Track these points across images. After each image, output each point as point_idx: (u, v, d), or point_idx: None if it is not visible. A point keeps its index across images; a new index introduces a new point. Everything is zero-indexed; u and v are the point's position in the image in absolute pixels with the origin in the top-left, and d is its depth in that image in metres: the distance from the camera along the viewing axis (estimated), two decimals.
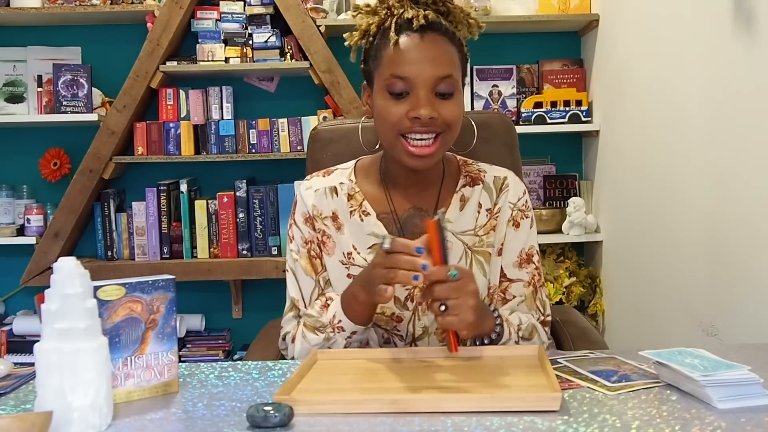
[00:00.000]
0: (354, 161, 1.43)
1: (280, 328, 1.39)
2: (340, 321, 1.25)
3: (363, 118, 1.41)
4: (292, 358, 1.33)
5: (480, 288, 1.24)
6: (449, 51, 1.27)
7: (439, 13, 1.29)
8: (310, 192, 1.38)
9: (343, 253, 1.34)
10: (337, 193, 1.37)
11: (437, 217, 1.13)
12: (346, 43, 1.34)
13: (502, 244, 1.36)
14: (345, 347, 1.26)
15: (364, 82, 1.35)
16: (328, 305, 1.29)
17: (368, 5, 1.32)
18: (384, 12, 1.29)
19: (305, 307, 1.35)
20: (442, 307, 1.10)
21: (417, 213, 1.35)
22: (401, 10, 1.27)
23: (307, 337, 1.29)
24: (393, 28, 1.25)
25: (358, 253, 1.33)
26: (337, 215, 1.36)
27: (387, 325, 1.32)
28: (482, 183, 1.38)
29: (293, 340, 1.33)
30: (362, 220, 1.34)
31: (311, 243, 1.36)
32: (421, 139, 1.24)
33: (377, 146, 1.37)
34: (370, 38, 1.30)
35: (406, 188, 1.35)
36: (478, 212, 1.35)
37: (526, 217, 1.37)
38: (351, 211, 1.35)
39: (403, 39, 1.25)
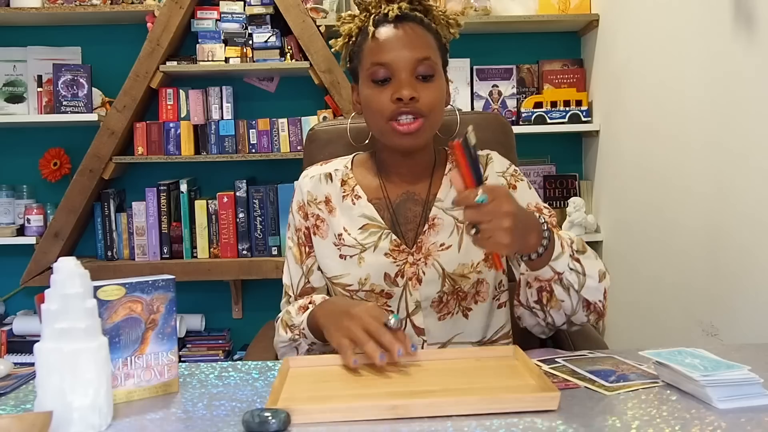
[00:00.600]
0: (353, 154, 1.49)
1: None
2: (304, 329, 1.31)
3: (352, 115, 1.46)
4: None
5: (475, 255, 1.32)
6: (426, 37, 1.33)
7: (417, 11, 1.35)
8: (306, 180, 1.45)
9: (335, 235, 1.39)
10: (331, 179, 1.43)
11: (462, 138, 1.07)
12: (332, 49, 1.43)
13: None
14: (307, 352, 1.33)
15: (353, 83, 1.41)
16: (308, 308, 1.33)
17: (350, 14, 1.39)
18: (363, 15, 1.36)
19: (293, 293, 1.43)
20: (473, 231, 1.06)
21: (410, 198, 1.40)
22: (378, 9, 1.34)
23: (279, 332, 1.37)
24: (371, 23, 1.33)
25: (349, 234, 1.37)
26: (330, 199, 1.41)
27: (377, 302, 1.35)
28: None
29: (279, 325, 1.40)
30: (354, 203, 1.40)
31: (299, 231, 1.43)
32: (406, 120, 1.29)
33: (367, 141, 1.44)
34: (354, 39, 1.38)
35: (399, 176, 1.41)
36: None
37: (521, 181, 1.42)
38: (344, 196, 1.41)
39: (381, 30, 1.32)
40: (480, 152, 1.44)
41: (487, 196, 1.04)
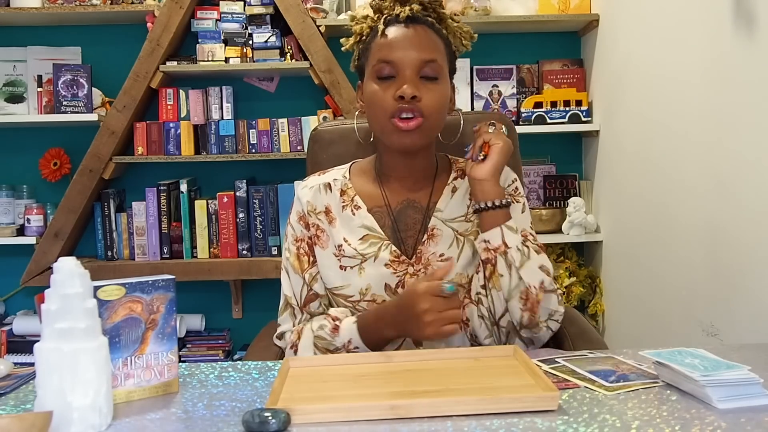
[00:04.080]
0: (350, 163, 1.48)
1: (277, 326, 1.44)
2: (356, 348, 1.29)
3: (357, 114, 1.45)
4: None
5: (470, 268, 1.35)
6: (434, 39, 1.34)
7: (429, 17, 1.35)
8: (305, 190, 1.44)
9: (335, 246, 1.38)
10: (330, 189, 1.42)
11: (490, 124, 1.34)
12: (343, 48, 1.42)
13: None
14: None
15: (359, 81, 1.41)
16: (338, 327, 1.31)
17: (364, 15, 1.39)
18: (376, 16, 1.37)
19: (297, 304, 1.40)
20: (490, 127, 1.32)
21: (410, 205, 1.39)
22: (391, 11, 1.34)
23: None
24: (382, 22, 1.33)
25: (349, 245, 1.37)
26: (329, 209, 1.40)
27: None
28: None
29: (292, 348, 1.35)
30: (354, 214, 1.39)
31: (301, 241, 1.41)
32: (407, 117, 1.30)
33: (372, 138, 1.42)
34: (364, 39, 1.38)
35: (399, 181, 1.40)
36: (469, 200, 1.39)
37: (517, 202, 1.41)
38: (343, 206, 1.40)
39: (391, 29, 1.33)
40: None
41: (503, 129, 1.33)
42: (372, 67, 1.33)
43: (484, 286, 1.31)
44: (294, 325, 1.39)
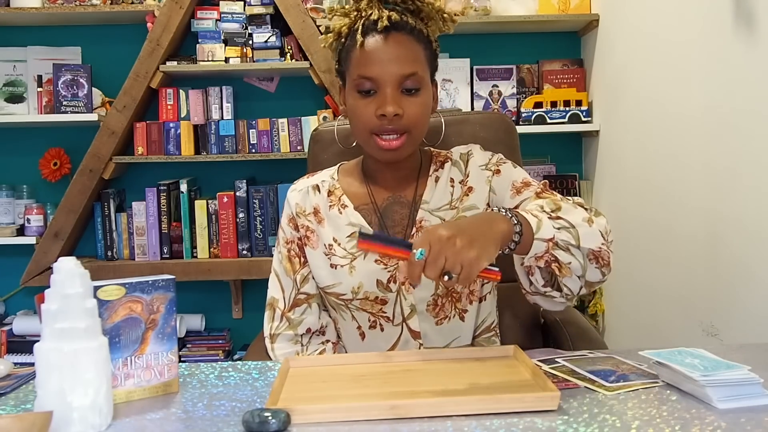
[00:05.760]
0: (338, 164, 1.49)
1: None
2: None
3: (339, 118, 1.45)
4: None
5: None
6: (414, 49, 1.31)
7: (409, 11, 1.32)
8: (294, 193, 1.45)
9: (325, 245, 1.39)
10: (319, 190, 1.43)
11: (359, 236, 1.05)
12: (322, 45, 1.41)
13: (488, 204, 1.37)
14: None
15: (340, 83, 1.40)
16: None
17: (343, 8, 1.36)
18: (354, 14, 1.34)
19: (284, 306, 1.41)
20: (446, 277, 1.00)
21: (396, 201, 1.40)
22: (369, 12, 1.31)
23: None
24: (360, 30, 1.30)
25: (338, 245, 1.38)
26: (318, 210, 1.41)
27: (372, 309, 1.35)
28: (450, 161, 1.43)
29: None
30: (341, 212, 1.40)
31: (291, 243, 1.42)
32: (389, 137, 1.29)
33: (354, 143, 1.42)
34: (342, 40, 1.36)
35: (385, 180, 1.41)
36: (452, 187, 1.40)
37: (505, 163, 1.40)
38: (330, 205, 1.41)
39: (369, 40, 1.30)
40: (462, 150, 1.43)
41: (423, 249, 1.00)
42: (353, 80, 1.31)
43: (549, 281, 1.21)
44: (271, 330, 1.41)
